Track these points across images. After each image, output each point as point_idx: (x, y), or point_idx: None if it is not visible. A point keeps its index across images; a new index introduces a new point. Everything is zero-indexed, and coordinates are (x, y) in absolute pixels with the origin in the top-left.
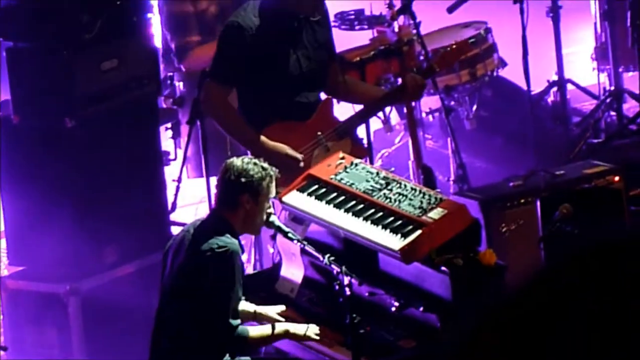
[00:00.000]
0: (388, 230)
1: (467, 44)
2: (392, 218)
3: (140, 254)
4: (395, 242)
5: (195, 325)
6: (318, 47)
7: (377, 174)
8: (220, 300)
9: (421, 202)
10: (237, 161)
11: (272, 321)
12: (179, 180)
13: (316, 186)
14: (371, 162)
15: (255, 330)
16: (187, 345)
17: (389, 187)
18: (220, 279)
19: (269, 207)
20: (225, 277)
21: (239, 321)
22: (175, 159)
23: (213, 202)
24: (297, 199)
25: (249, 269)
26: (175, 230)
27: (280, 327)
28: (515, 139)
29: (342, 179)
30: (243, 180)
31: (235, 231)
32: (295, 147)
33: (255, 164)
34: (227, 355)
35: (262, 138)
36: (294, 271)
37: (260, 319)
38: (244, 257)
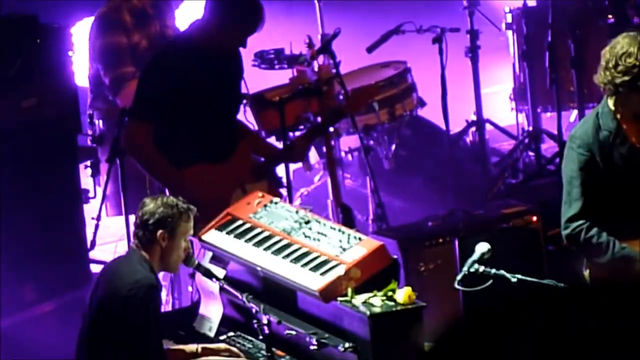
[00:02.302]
0: (307, 269)
1: (375, 87)
2: (311, 257)
3: (60, 292)
4: (314, 281)
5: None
6: (235, 85)
7: (296, 212)
8: (141, 335)
9: (340, 241)
10: (153, 199)
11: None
12: (98, 218)
13: (235, 224)
14: (290, 201)
15: None
16: None
17: (308, 226)
18: (138, 314)
19: (188, 246)
20: (144, 311)
21: (165, 355)
22: (94, 197)
23: (132, 239)
24: (216, 237)
25: (168, 307)
26: (95, 267)
27: None
28: (434, 179)
29: (261, 217)
30: (159, 217)
31: (153, 268)
32: (214, 189)
33: (171, 202)
34: None
35: (181, 178)
36: (212, 309)
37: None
38: (162, 295)
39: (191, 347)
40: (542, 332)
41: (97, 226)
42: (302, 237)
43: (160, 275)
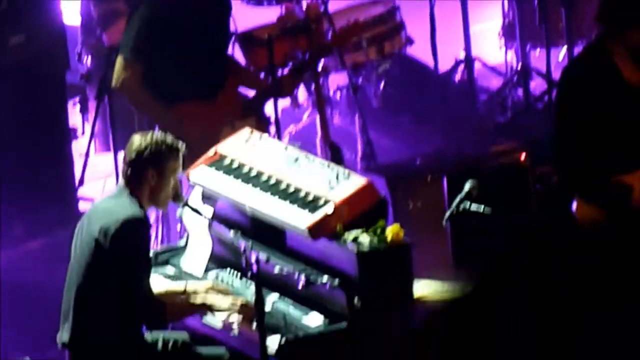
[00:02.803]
0: (296, 206)
1: (363, 24)
2: (300, 194)
3: (48, 230)
4: (302, 218)
5: (108, 300)
6: (224, 22)
7: (285, 149)
8: (130, 270)
9: (329, 178)
10: (142, 136)
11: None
12: (87, 155)
13: (224, 161)
14: (279, 139)
15: (174, 303)
16: (100, 321)
17: (297, 163)
18: (128, 249)
19: (176, 183)
20: (133, 245)
21: (153, 291)
22: (83, 134)
23: (120, 176)
24: (205, 174)
25: (156, 245)
26: (84, 205)
27: (200, 298)
28: (422, 117)
29: (250, 154)
30: (148, 155)
31: (142, 205)
32: (202, 126)
33: (160, 139)
34: (144, 327)
35: (173, 115)
36: (201, 247)
37: (189, 295)
38: (151, 233)
39: (178, 286)
40: (533, 274)
41: (85, 163)
42: (290, 175)
43: (149, 213)
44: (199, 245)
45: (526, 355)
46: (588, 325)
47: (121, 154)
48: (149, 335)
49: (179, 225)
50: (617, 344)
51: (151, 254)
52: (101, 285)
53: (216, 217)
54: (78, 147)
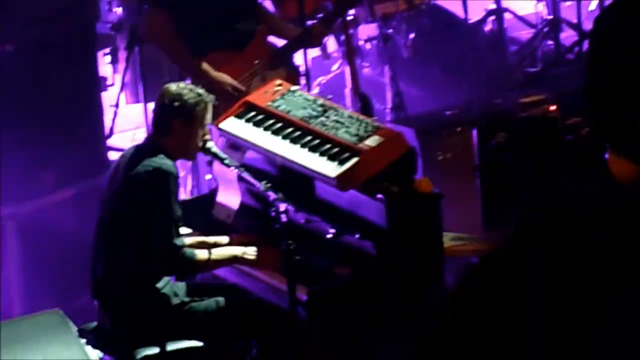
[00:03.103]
0: (325, 158)
1: None
2: (329, 145)
3: (78, 179)
4: (331, 169)
5: (137, 249)
6: None
7: (315, 101)
8: (159, 219)
9: (358, 129)
10: (172, 86)
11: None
12: (117, 105)
13: (253, 113)
14: (308, 90)
15: (203, 254)
16: (131, 269)
17: (326, 115)
18: (156, 198)
19: (206, 134)
20: (161, 195)
21: (183, 241)
22: (113, 85)
23: (150, 127)
24: (234, 125)
25: (186, 195)
26: (113, 155)
27: (230, 250)
28: (452, 68)
29: (279, 105)
30: (177, 104)
31: (170, 156)
32: (232, 76)
33: (190, 89)
34: (172, 276)
35: (204, 66)
36: (230, 197)
37: (220, 246)
38: (180, 183)
39: (208, 238)
40: (551, 254)
41: (115, 114)
42: (320, 126)
43: (178, 163)
44: (228, 195)
45: (542, 329)
46: (604, 304)
47: (151, 105)
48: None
49: (208, 175)
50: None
51: (180, 204)
52: (131, 233)
53: (245, 168)
54: (108, 97)
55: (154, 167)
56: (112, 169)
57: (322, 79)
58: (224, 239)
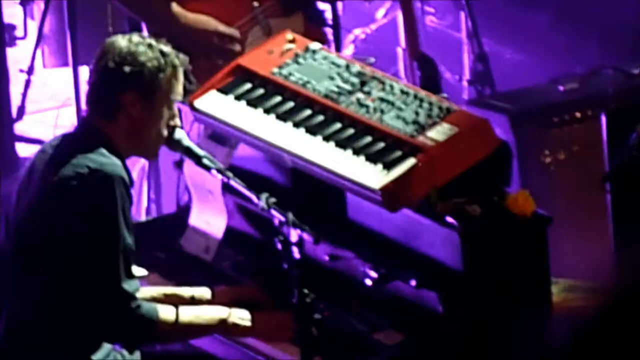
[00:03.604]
0: (363, 158)
1: None
2: (369, 138)
3: None
4: (373, 176)
5: (62, 295)
6: None
7: (347, 67)
8: (98, 250)
9: (417, 113)
10: (121, 41)
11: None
12: (30, 70)
13: (249, 85)
14: (338, 49)
15: (169, 313)
16: (50, 329)
17: (366, 89)
18: (95, 217)
19: (174, 117)
20: (103, 213)
21: (137, 286)
22: (24, 37)
23: (83, 105)
24: (218, 104)
25: (140, 215)
26: (25, 149)
27: (213, 312)
28: (567, 18)
29: (290, 73)
30: (128, 69)
31: (117, 151)
32: (219, 26)
33: (150, 45)
34: (117, 343)
35: (176, 8)
36: (210, 219)
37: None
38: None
39: (182, 293)
40: None
41: (28, 83)
42: (355, 107)
43: (130, 163)
44: (207, 215)
45: None
46: None
47: (85, 70)
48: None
49: (176, 183)
50: None
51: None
52: (51, 271)
53: (235, 172)
54: (16, 57)
55: (91, 168)
56: (24, 172)
57: (359, 32)
58: (204, 292)
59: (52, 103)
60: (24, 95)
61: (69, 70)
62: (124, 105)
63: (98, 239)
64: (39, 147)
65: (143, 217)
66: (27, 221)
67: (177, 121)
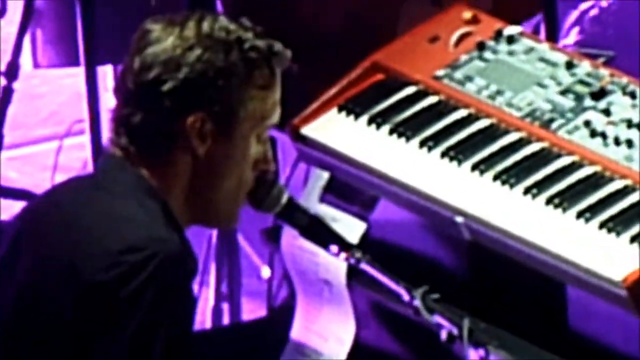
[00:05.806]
0: (594, 224)
1: None
2: (605, 190)
3: None
4: (611, 257)
5: None
6: None
7: (570, 66)
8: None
9: None
10: (175, 29)
11: None
12: (12, 72)
13: (395, 98)
14: (552, 37)
15: None
16: None
17: (602, 106)
18: (138, 324)
19: (265, 155)
20: (151, 319)
21: None
22: (2, 15)
23: (107, 136)
24: (341, 132)
25: (205, 321)
26: (2, 208)
27: None
28: None
29: (468, 78)
30: (189, 76)
31: (172, 214)
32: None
33: (227, 32)
34: None
35: None
36: (327, 329)
37: None
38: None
39: None
40: None
41: (7, 94)
42: (580, 136)
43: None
44: (321, 324)
45: None
46: None
47: (109, 73)
48: None
49: (265, 268)
50: None
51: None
52: None
53: (371, 251)
54: None
55: (130, 246)
56: (26, 232)
57: (588, 7)
58: None
59: (49, 129)
60: (1, 115)
61: (78, 72)
62: (183, 138)
63: (142, 343)
64: (27, 203)
65: (208, 324)
66: (27, 314)
67: (272, 164)
